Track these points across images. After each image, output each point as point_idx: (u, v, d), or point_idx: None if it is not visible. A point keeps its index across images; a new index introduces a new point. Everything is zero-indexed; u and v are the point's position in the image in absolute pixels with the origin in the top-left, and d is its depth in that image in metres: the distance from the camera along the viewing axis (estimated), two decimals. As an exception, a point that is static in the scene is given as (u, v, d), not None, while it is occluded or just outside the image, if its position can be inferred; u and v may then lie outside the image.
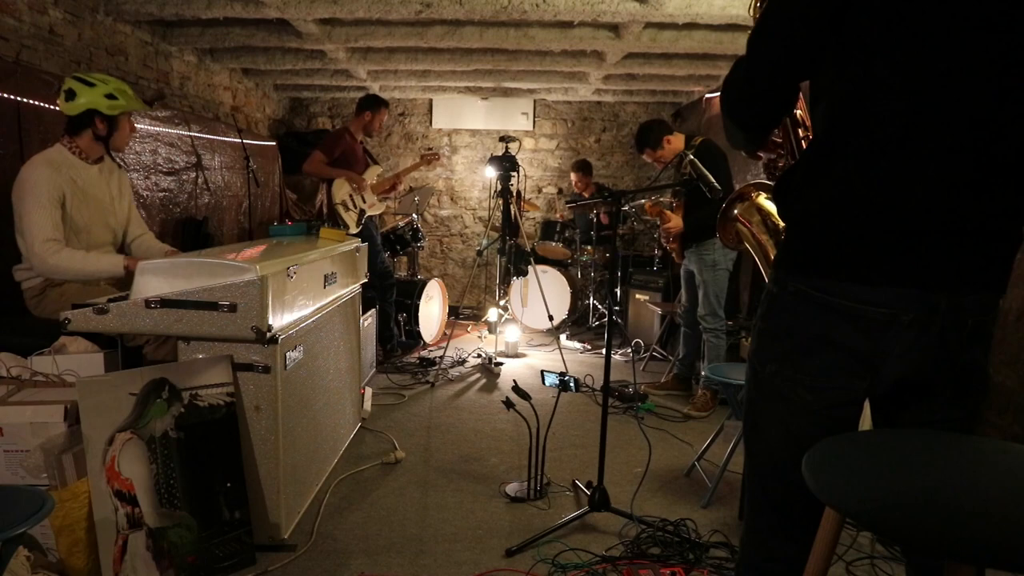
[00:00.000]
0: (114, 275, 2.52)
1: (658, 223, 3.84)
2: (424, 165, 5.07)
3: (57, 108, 2.86)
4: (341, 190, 4.43)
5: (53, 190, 2.44)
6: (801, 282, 1.15)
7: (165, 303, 1.96)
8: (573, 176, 5.95)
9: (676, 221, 3.61)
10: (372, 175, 4.65)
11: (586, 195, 5.96)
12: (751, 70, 1.18)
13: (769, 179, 1.41)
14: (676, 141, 3.65)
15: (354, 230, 4.39)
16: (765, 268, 2.12)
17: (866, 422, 1.34)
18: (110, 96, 2.55)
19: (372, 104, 4.53)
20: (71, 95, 2.53)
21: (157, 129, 4.06)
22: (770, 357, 1.22)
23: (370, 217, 4.60)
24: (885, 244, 1.08)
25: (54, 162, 2.50)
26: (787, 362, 1.18)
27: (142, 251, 2.82)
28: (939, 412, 1.15)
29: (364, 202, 4.55)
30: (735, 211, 2.20)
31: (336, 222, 4.34)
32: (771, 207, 2.11)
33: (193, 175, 4.52)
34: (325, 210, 4.50)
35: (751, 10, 1.50)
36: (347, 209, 4.45)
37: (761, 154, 1.46)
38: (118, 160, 2.82)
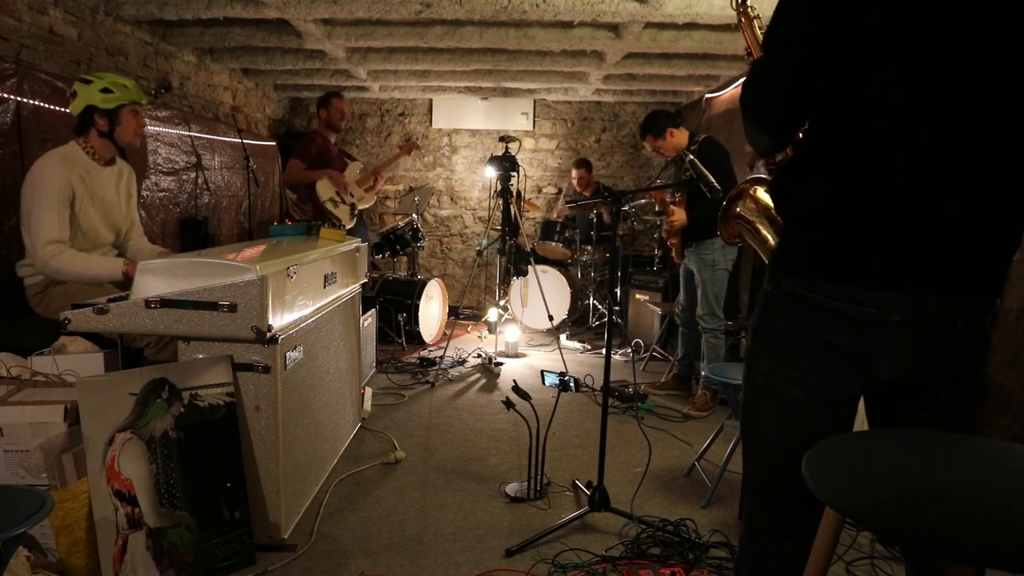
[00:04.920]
0: (112, 279, 2.52)
1: (661, 218, 3.84)
2: (404, 155, 5.08)
3: (57, 108, 2.86)
4: (326, 189, 4.45)
5: (64, 188, 2.45)
6: (795, 282, 1.16)
7: (165, 303, 1.96)
8: (575, 172, 5.98)
9: (680, 215, 3.61)
10: (354, 171, 4.67)
11: (586, 193, 5.98)
12: (767, 79, 1.17)
13: (769, 172, 1.41)
14: (679, 136, 3.66)
15: (349, 224, 4.40)
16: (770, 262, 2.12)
17: (862, 423, 1.34)
18: (105, 90, 2.55)
19: (323, 101, 4.53)
20: (73, 95, 2.56)
21: (157, 129, 4.07)
22: (765, 355, 1.23)
23: (362, 211, 4.61)
24: (876, 246, 1.09)
25: (68, 159, 2.51)
26: (781, 360, 1.19)
27: (135, 252, 2.84)
28: (934, 411, 1.16)
29: (352, 196, 4.56)
30: (736, 208, 2.20)
31: (331, 222, 4.35)
32: (770, 200, 2.11)
33: (193, 175, 4.52)
34: (311, 211, 4.52)
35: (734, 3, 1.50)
36: (336, 205, 4.46)
37: (778, 157, 1.40)
38: (127, 162, 2.81)
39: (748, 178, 2.21)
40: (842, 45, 1.06)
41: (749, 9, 1.50)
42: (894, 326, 1.09)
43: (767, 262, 2.12)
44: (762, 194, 2.14)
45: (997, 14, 1.00)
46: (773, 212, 2.08)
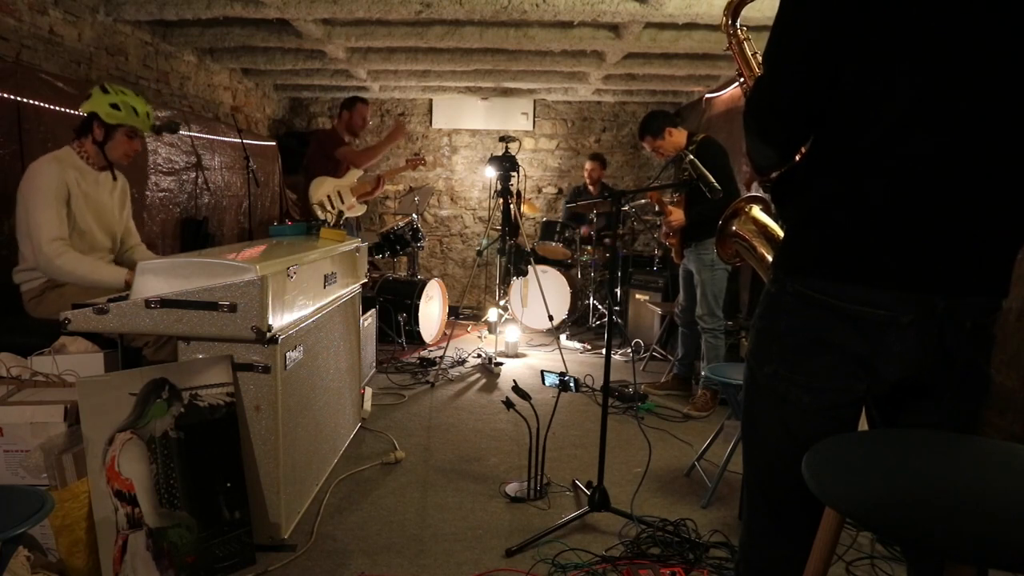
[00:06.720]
0: (114, 287, 2.50)
1: (661, 218, 3.84)
2: (409, 169, 5.10)
3: (57, 108, 2.86)
4: (319, 190, 4.45)
5: (59, 187, 2.46)
6: (800, 283, 1.15)
7: (165, 303, 1.95)
8: (588, 164, 5.92)
9: (678, 214, 3.61)
10: (353, 177, 4.68)
11: (593, 188, 5.96)
12: (773, 94, 1.15)
13: (765, 189, 1.39)
14: (678, 136, 3.66)
15: None
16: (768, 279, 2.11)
17: (861, 423, 1.34)
18: (114, 106, 2.56)
19: (349, 103, 4.57)
20: (88, 97, 2.58)
21: (157, 129, 4.06)
22: (768, 358, 1.21)
23: (348, 219, 4.62)
24: (884, 246, 1.08)
25: (61, 161, 2.52)
26: (785, 363, 1.18)
27: (136, 260, 2.83)
28: (937, 413, 1.15)
29: (343, 203, 4.57)
30: (732, 227, 2.19)
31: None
32: (767, 219, 2.11)
33: (193, 175, 4.52)
34: (299, 208, 4.54)
35: (724, 26, 1.48)
36: (324, 210, 4.47)
37: (774, 173, 1.34)
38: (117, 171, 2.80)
39: (743, 197, 2.21)
40: (851, 48, 1.05)
41: (740, 31, 1.48)
42: (903, 327, 1.08)
43: (765, 279, 2.12)
44: (758, 212, 2.12)
45: (1007, 13, 0.99)
46: (771, 231, 2.07)
